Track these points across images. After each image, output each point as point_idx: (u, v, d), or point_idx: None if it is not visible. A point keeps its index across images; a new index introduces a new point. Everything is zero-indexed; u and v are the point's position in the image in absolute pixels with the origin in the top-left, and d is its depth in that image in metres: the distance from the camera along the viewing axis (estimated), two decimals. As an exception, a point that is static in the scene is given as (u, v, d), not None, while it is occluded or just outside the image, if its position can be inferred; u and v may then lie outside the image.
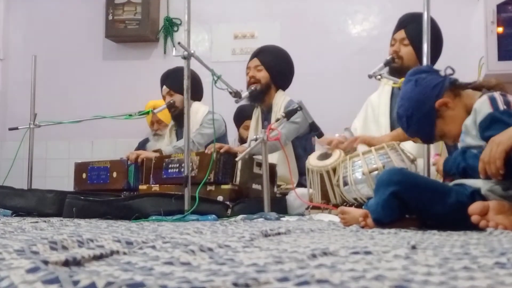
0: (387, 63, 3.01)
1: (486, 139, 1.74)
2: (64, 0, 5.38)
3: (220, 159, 2.97)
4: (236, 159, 2.88)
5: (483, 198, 1.72)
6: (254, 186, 3.07)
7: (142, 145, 4.56)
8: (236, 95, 3.09)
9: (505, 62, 3.84)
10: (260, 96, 3.63)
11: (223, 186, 2.94)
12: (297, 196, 2.97)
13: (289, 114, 2.93)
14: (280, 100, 3.60)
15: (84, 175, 3.58)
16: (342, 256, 0.95)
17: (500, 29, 3.87)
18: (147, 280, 0.64)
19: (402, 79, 2.81)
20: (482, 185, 1.74)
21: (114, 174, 3.46)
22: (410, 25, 3.07)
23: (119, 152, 4.48)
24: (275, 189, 3.23)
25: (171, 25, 5.13)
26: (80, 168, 3.63)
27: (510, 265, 0.80)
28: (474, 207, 1.63)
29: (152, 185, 3.16)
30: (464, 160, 1.84)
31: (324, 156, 2.86)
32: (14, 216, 2.92)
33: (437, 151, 2.73)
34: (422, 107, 1.98)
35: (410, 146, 2.81)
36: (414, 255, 0.95)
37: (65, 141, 5.18)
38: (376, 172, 2.54)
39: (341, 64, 4.74)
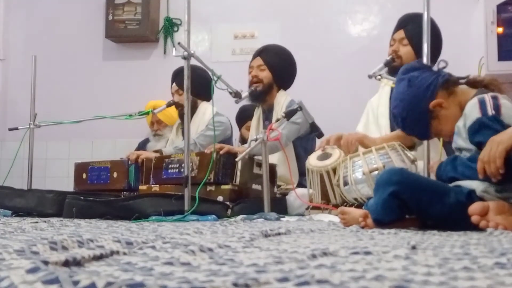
0: (387, 63, 3.01)
1: (474, 144, 1.76)
2: (64, 0, 5.37)
3: (220, 159, 2.97)
4: (236, 159, 2.88)
5: (480, 198, 1.73)
6: (254, 186, 3.07)
7: (142, 145, 4.56)
8: (236, 95, 3.09)
9: (505, 62, 3.84)
10: (261, 96, 3.63)
11: (223, 186, 2.94)
12: (297, 196, 2.97)
13: (289, 114, 2.93)
14: (282, 100, 3.59)
15: (84, 175, 3.58)
16: (342, 256, 0.95)
17: (500, 29, 3.87)
18: (147, 280, 0.64)
19: (402, 79, 2.83)
20: (476, 187, 1.75)
21: (115, 174, 3.46)
22: (409, 25, 3.07)
23: (119, 152, 4.48)
24: (275, 189, 3.23)
25: (171, 25, 5.13)
26: (80, 168, 3.63)
27: (510, 265, 0.80)
28: (474, 208, 1.64)
29: (152, 185, 3.16)
30: (454, 168, 1.85)
31: (324, 156, 2.85)
32: (14, 216, 2.92)
33: (436, 154, 2.72)
34: (416, 109, 1.99)
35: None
36: (414, 255, 0.95)
37: (65, 141, 5.18)
38: (376, 172, 2.54)
39: (341, 64, 4.73)
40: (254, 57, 3.71)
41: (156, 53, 5.18)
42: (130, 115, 3.40)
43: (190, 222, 2.34)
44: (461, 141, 1.87)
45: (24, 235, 1.44)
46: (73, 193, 3.14)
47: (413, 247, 1.08)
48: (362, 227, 1.86)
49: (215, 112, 3.85)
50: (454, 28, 4.18)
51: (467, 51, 4.33)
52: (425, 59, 2.56)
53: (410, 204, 1.80)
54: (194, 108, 3.90)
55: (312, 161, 2.87)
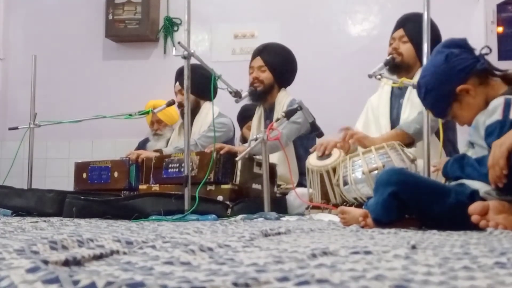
0: (387, 63, 3.01)
1: (488, 144, 1.74)
2: (64, 0, 5.38)
3: (220, 159, 2.97)
4: (236, 159, 2.88)
5: (483, 198, 1.72)
6: (254, 186, 3.06)
7: (142, 145, 4.55)
8: (236, 94, 3.09)
9: (505, 62, 3.84)
10: (262, 96, 3.62)
11: (223, 186, 2.94)
12: (297, 196, 2.97)
13: (289, 114, 2.93)
14: (283, 99, 3.59)
15: (84, 175, 3.58)
16: (342, 256, 0.95)
17: (500, 29, 3.87)
18: (147, 280, 0.64)
19: (402, 79, 2.83)
20: (480, 187, 1.74)
21: (116, 174, 3.46)
22: (408, 23, 3.08)
23: (119, 152, 4.48)
24: (275, 189, 3.22)
25: (171, 25, 5.13)
26: (81, 167, 3.63)
27: (510, 265, 0.80)
28: (474, 207, 1.63)
29: (152, 185, 3.16)
30: (461, 167, 1.84)
31: (324, 156, 2.85)
32: (14, 216, 2.91)
33: (436, 153, 2.72)
34: (443, 86, 1.95)
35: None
36: (414, 255, 0.95)
37: (65, 141, 5.18)
38: (376, 172, 2.54)
39: (341, 64, 4.73)
40: (254, 56, 3.69)
41: (156, 52, 5.18)
42: (130, 115, 3.40)
43: (190, 221, 2.34)
44: (476, 136, 1.85)
45: (24, 234, 1.44)
46: (73, 192, 3.13)
47: (413, 247, 1.08)
48: (362, 227, 1.86)
49: (219, 113, 3.85)
50: (454, 28, 4.17)
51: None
52: (425, 59, 2.56)
53: (410, 204, 1.79)
54: (197, 108, 3.90)
55: (312, 160, 2.88)
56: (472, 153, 1.87)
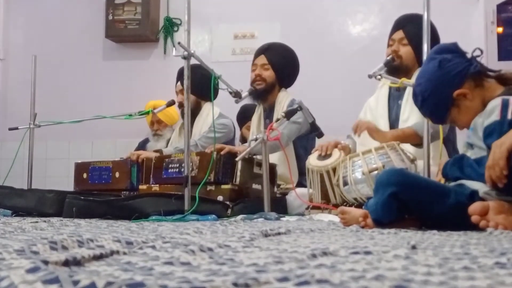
0: (387, 63, 3.01)
1: (487, 146, 1.74)
2: (64, 0, 5.38)
3: (220, 159, 2.97)
4: (236, 159, 2.88)
5: (482, 199, 1.72)
6: (254, 186, 3.07)
7: (142, 145, 4.56)
8: (236, 95, 3.09)
9: (505, 62, 3.85)
10: (263, 95, 3.63)
11: (223, 186, 2.94)
12: (297, 196, 2.97)
13: (288, 114, 2.93)
14: (283, 99, 3.59)
15: (85, 175, 3.57)
16: (342, 256, 0.95)
17: (500, 29, 3.87)
18: (147, 280, 0.64)
19: (402, 79, 2.83)
20: (479, 188, 1.74)
21: (117, 174, 3.45)
22: (408, 25, 3.07)
23: (119, 152, 4.48)
24: (275, 189, 3.23)
25: (171, 25, 5.13)
26: (81, 168, 3.63)
27: (510, 265, 0.80)
28: (474, 207, 1.63)
29: (152, 185, 3.16)
30: (460, 168, 1.84)
31: (324, 156, 2.86)
32: (14, 216, 2.91)
33: (436, 153, 2.72)
34: (439, 93, 1.95)
35: (409, 148, 2.82)
36: (414, 255, 0.95)
37: (65, 141, 5.18)
38: (376, 172, 2.54)
39: (341, 64, 4.73)
40: (258, 54, 3.69)
41: (156, 53, 5.18)
42: (130, 115, 3.40)
43: (190, 221, 2.34)
44: (475, 138, 1.85)
45: (24, 234, 1.44)
46: (73, 192, 3.13)
47: (413, 247, 1.08)
48: (362, 227, 1.86)
49: (219, 114, 3.85)
50: (454, 28, 4.18)
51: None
52: (425, 59, 2.56)
53: (410, 205, 1.80)
54: (197, 109, 3.90)
55: (312, 160, 2.88)
56: (471, 154, 1.87)
